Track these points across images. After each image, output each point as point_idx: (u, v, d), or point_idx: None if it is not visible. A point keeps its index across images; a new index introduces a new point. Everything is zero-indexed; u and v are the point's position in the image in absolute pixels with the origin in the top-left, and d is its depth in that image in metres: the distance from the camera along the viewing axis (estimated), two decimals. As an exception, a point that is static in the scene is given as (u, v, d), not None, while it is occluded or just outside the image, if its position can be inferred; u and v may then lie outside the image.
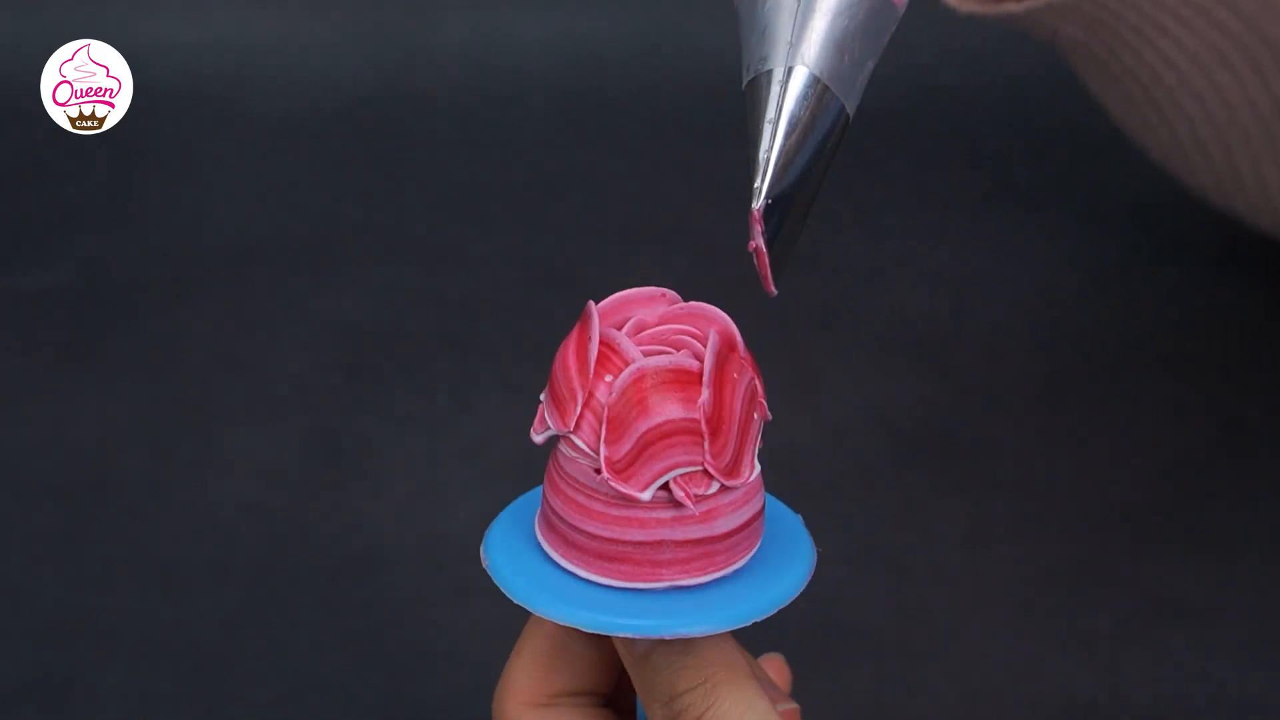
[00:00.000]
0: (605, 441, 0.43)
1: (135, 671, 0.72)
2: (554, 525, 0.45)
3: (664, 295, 0.46)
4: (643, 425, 0.43)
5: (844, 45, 0.45)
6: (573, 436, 0.44)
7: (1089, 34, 0.68)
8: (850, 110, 0.46)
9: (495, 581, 0.45)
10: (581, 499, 0.44)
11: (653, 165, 1.02)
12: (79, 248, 0.96)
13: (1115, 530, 0.76)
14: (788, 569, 0.46)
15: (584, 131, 1.04)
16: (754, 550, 0.46)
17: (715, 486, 0.44)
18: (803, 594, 0.74)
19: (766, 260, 0.44)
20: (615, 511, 0.44)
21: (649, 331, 0.45)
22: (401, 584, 0.75)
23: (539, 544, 0.46)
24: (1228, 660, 0.70)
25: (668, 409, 0.43)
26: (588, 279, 0.92)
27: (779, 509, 0.48)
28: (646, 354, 0.44)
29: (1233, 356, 0.85)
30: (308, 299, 0.92)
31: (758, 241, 0.44)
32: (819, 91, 0.45)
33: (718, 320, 0.45)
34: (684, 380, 0.43)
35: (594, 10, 1.07)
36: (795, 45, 0.45)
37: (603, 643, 0.47)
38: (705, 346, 0.44)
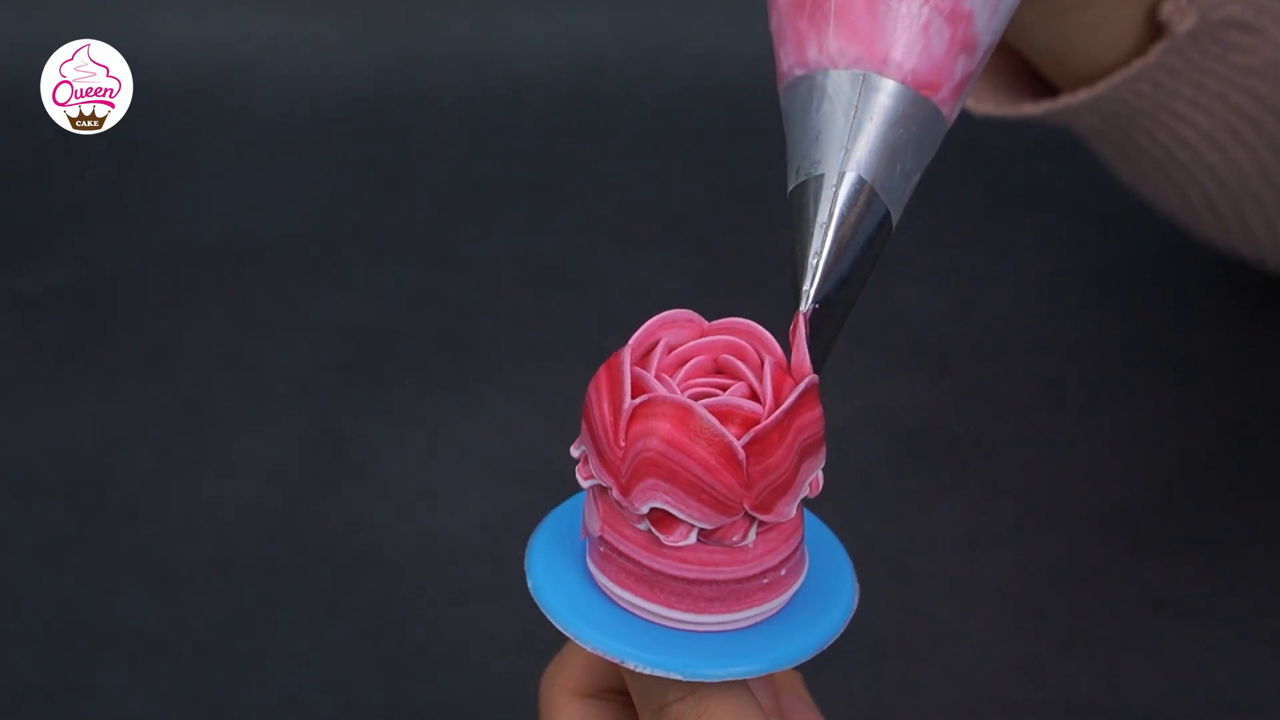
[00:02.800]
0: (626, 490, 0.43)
1: (136, 672, 0.72)
2: (621, 564, 0.45)
3: (690, 321, 0.45)
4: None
5: (896, 154, 0.46)
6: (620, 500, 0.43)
7: (1105, 123, 0.68)
8: (895, 219, 0.46)
9: (535, 597, 0.45)
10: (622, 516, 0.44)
11: (653, 165, 1.02)
12: (79, 248, 0.96)
13: (1115, 530, 0.76)
14: (824, 612, 0.46)
15: (584, 131, 1.04)
16: (791, 593, 0.45)
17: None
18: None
19: (808, 366, 0.45)
20: (713, 555, 0.43)
21: (692, 363, 0.44)
22: (402, 584, 0.75)
23: (585, 565, 0.45)
24: (1228, 660, 0.70)
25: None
26: (588, 279, 0.92)
27: (833, 548, 0.48)
28: (691, 389, 0.44)
29: (1233, 357, 0.85)
30: (308, 299, 0.92)
31: (802, 348, 0.44)
32: (868, 197, 0.45)
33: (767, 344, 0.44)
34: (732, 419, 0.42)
35: (594, 10, 1.07)
36: (849, 151, 0.45)
37: None
38: (752, 372, 0.43)
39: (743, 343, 0.45)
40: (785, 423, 0.43)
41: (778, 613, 0.45)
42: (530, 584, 0.45)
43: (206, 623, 0.74)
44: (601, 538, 0.44)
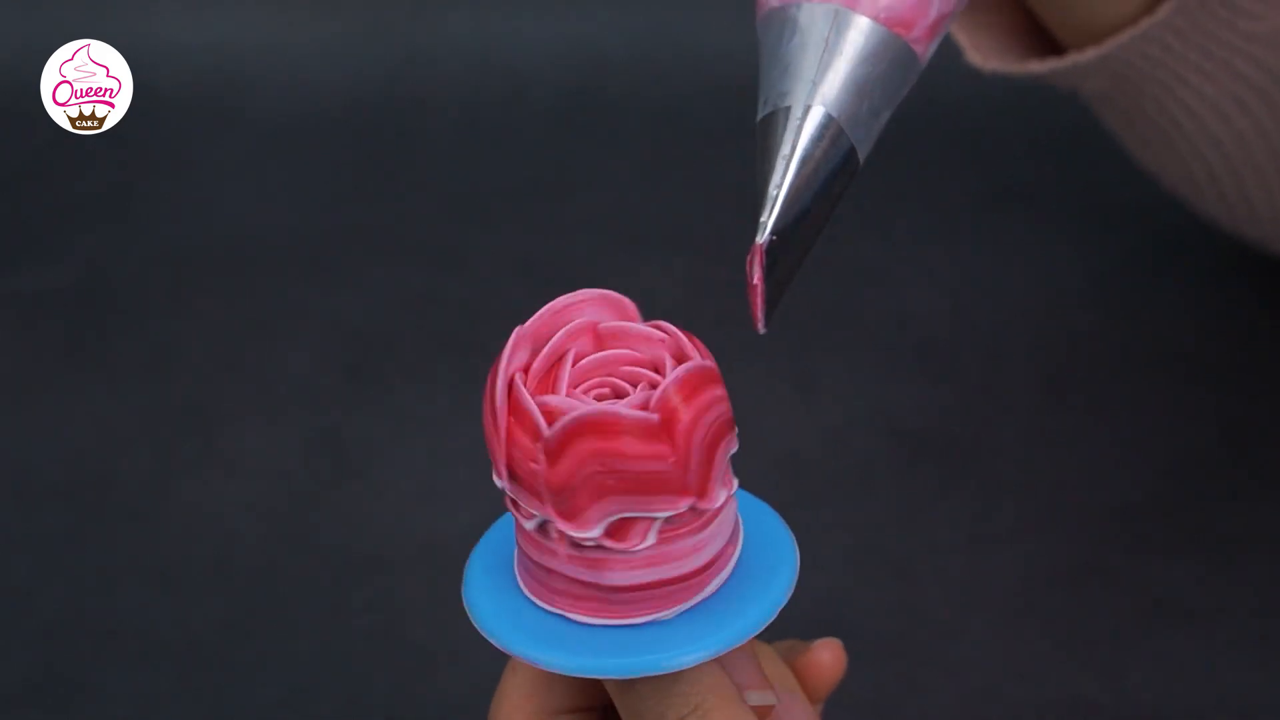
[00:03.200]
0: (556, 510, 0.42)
1: (137, 672, 0.72)
2: (530, 570, 0.45)
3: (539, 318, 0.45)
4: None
5: (865, 91, 0.45)
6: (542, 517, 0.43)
7: (1112, 86, 0.68)
8: (861, 156, 0.46)
9: (475, 623, 0.45)
10: (552, 545, 0.44)
11: (653, 165, 1.02)
12: (79, 248, 0.96)
13: (1115, 530, 0.76)
14: (769, 582, 0.45)
15: (584, 131, 1.04)
16: (726, 573, 0.45)
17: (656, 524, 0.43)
18: (803, 594, 0.74)
19: (761, 297, 0.44)
20: (593, 555, 0.43)
21: (590, 361, 0.44)
22: (402, 585, 0.75)
23: (518, 583, 0.45)
24: (1228, 660, 0.70)
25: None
26: (588, 279, 0.92)
27: (758, 510, 0.48)
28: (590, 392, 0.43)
29: (1233, 356, 0.85)
30: (308, 299, 0.92)
31: (756, 276, 0.44)
32: (834, 133, 0.45)
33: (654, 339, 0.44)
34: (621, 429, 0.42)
35: (594, 10, 1.07)
36: (817, 84, 0.45)
37: None
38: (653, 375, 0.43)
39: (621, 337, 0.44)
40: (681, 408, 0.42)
41: (718, 592, 0.45)
42: (471, 615, 0.45)
43: (207, 623, 0.74)
44: (534, 562, 0.44)
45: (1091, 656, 0.71)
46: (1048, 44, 0.69)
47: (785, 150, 0.45)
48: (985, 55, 0.68)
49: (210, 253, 0.96)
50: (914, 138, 1.03)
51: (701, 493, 0.43)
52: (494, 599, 0.45)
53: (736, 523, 0.45)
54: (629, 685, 0.45)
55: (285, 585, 0.76)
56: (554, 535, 0.43)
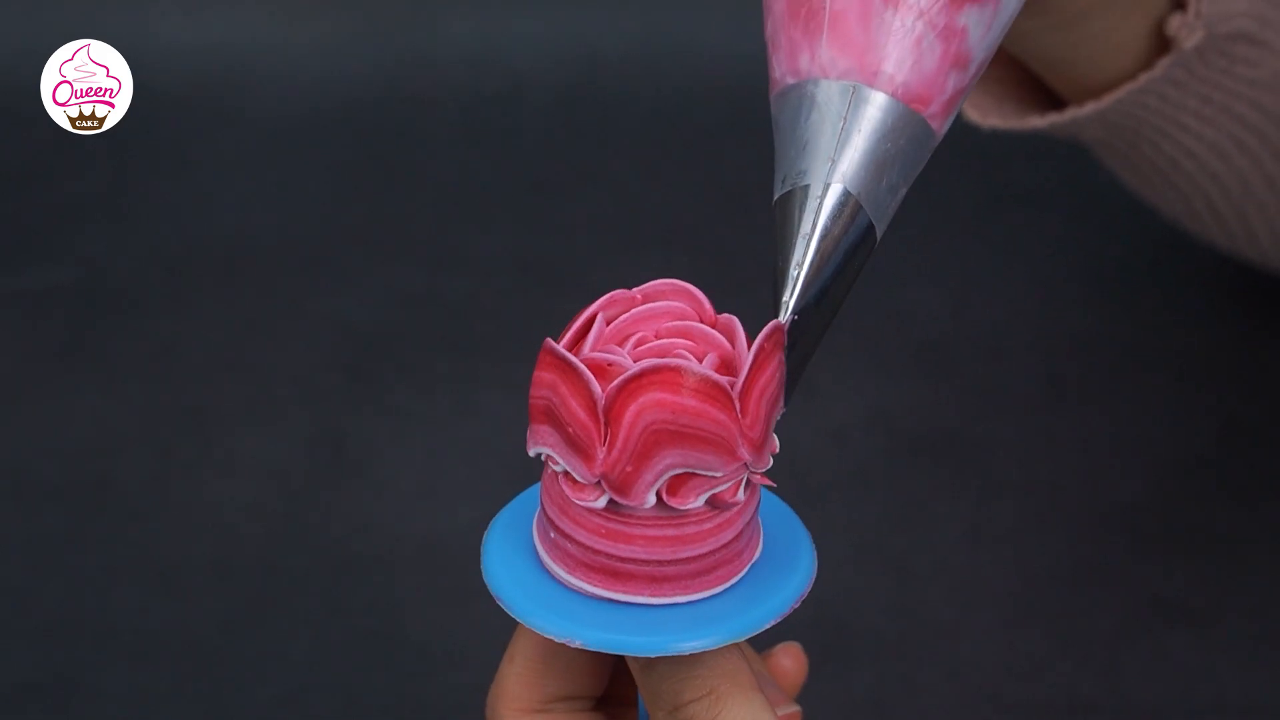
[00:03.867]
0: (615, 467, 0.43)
1: (136, 671, 0.72)
2: (553, 542, 0.45)
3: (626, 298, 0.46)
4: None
5: (883, 168, 0.46)
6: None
7: (1111, 134, 0.68)
8: (879, 232, 0.46)
9: (494, 595, 0.45)
10: (586, 515, 0.44)
11: (653, 165, 1.02)
12: (79, 248, 0.96)
13: (1115, 530, 0.76)
14: (789, 575, 0.46)
15: (584, 131, 1.04)
16: (750, 563, 0.45)
17: (708, 491, 0.43)
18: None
19: (782, 376, 0.44)
20: (654, 531, 0.43)
21: (648, 346, 0.44)
22: (402, 584, 0.75)
23: (538, 557, 0.45)
24: (1228, 660, 0.70)
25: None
26: (588, 279, 0.92)
27: (777, 506, 0.48)
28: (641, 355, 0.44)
29: (1233, 356, 0.85)
30: (308, 299, 0.92)
31: (779, 358, 0.44)
32: (853, 210, 0.45)
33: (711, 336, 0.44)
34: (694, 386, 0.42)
35: (594, 10, 1.07)
36: (836, 162, 0.45)
37: None
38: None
39: (684, 307, 0.45)
40: (754, 375, 0.42)
41: (736, 584, 0.45)
42: (489, 583, 0.45)
43: (206, 622, 0.74)
44: (560, 530, 0.44)
45: (1091, 656, 0.71)
46: (1042, 92, 0.69)
47: (805, 229, 0.45)
48: (983, 112, 0.68)
49: (210, 252, 0.96)
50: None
51: (757, 451, 0.43)
52: (512, 570, 0.45)
53: (757, 519, 0.46)
54: (649, 666, 0.45)
55: (284, 584, 0.76)
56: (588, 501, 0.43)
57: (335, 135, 1.05)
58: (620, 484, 0.42)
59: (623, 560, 0.44)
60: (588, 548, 0.44)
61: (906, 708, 0.69)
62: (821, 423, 0.82)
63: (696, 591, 0.44)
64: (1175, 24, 0.63)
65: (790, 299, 0.45)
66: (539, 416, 0.44)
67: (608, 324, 0.44)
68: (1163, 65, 0.64)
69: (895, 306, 0.90)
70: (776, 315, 0.44)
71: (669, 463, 0.42)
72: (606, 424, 0.42)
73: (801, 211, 0.45)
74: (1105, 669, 0.70)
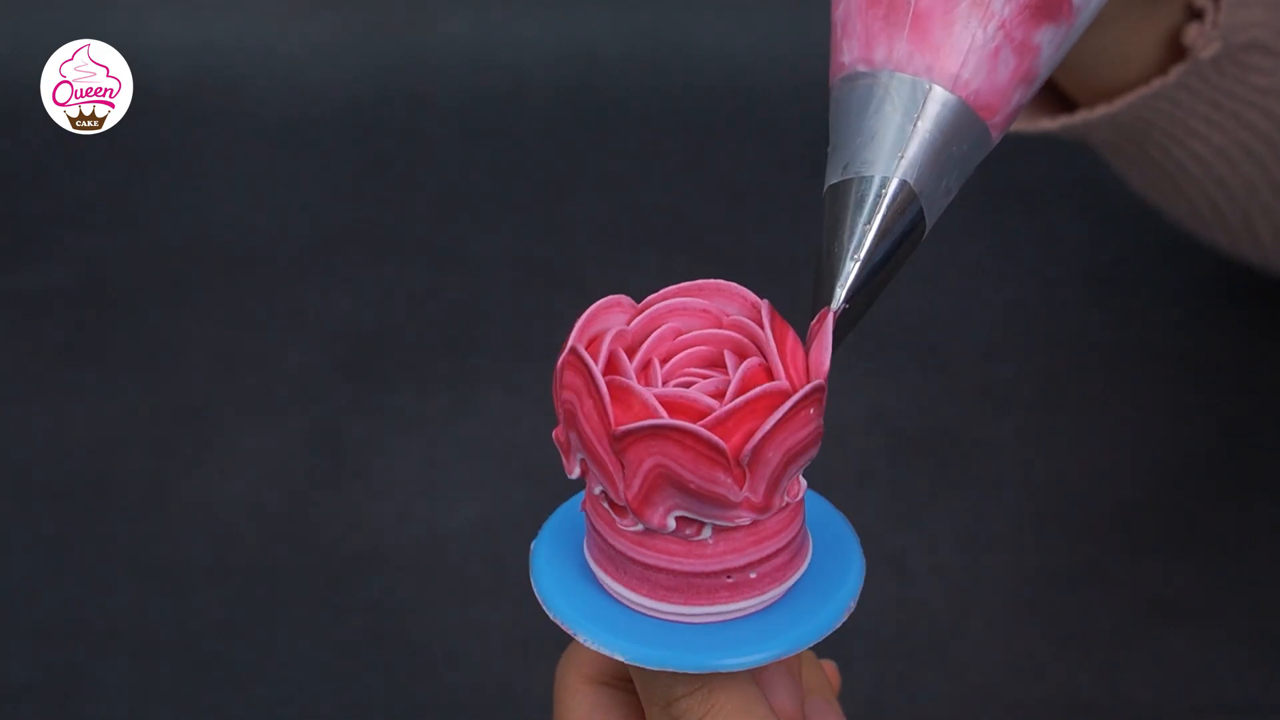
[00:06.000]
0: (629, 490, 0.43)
1: (135, 671, 0.72)
2: (617, 560, 0.45)
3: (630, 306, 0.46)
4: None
5: (945, 169, 0.46)
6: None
7: (1120, 137, 0.69)
8: (928, 228, 0.46)
9: (542, 602, 0.45)
10: (660, 539, 0.44)
11: (652, 165, 1.02)
12: (79, 248, 0.96)
13: (1115, 530, 0.76)
14: (832, 594, 0.45)
15: (582, 131, 1.04)
16: (797, 575, 0.45)
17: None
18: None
19: (828, 359, 0.45)
20: (683, 546, 0.43)
21: (676, 359, 0.44)
22: (401, 584, 0.75)
23: (589, 568, 0.45)
24: (1228, 660, 0.70)
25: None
26: (588, 279, 0.92)
27: (840, 530, 0.48)
28: (680, 381, 0.44)
29: (1233, 356, 0.85)
30: (308, 299, 0.92)
31: (827, 342, 0.44)
32: (913, 206, 0.46)
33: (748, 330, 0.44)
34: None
35: (594, 10, 1.07)
36: (902, 157, 0.45)
37: None
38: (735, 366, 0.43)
39: (746, 324, 0.44)
40: (776, 432, 0.42)
41: (777, 602, 0.45)
42: (534, 581, 0.45)
43: (205, 621, 0.74)
44: (599, 534, 0.44)
45: (1090, 656, 0.71)
46: (1049, 93, 0.70)
47: (865, 219, 0.46)
48: None
49: (209, 252, 0.96)
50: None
51: (763, 509, 0.43)
52: (560, 575, 0.45)
53: (803, 531, 0.45)
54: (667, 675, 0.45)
55: (283, 584, 0.76)
56: (614, 512, 0.43)
57: (335, 135, 1.05)
58: (637, 513, 0.43)
59: (657, 570, 0.44)
60: (626, 556, 0.44)
61: (906, 708, 0.69)
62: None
63: (745, 599, 0.44)
64: (1192, 34, 0.63)
65: (844, 287, 0.45)
66: (569, 421, 0.44)
67: (633, 330, 0.44)
68: (1176, 72, 0.64)
69: (895, 306, 0.90)
70: (825, 300, 0.45)
71: (672, 504, 0.42)
72: (618, 455, 0.42)
73: (864, 201, 0.46)
74: (1105, 669, 0.70)
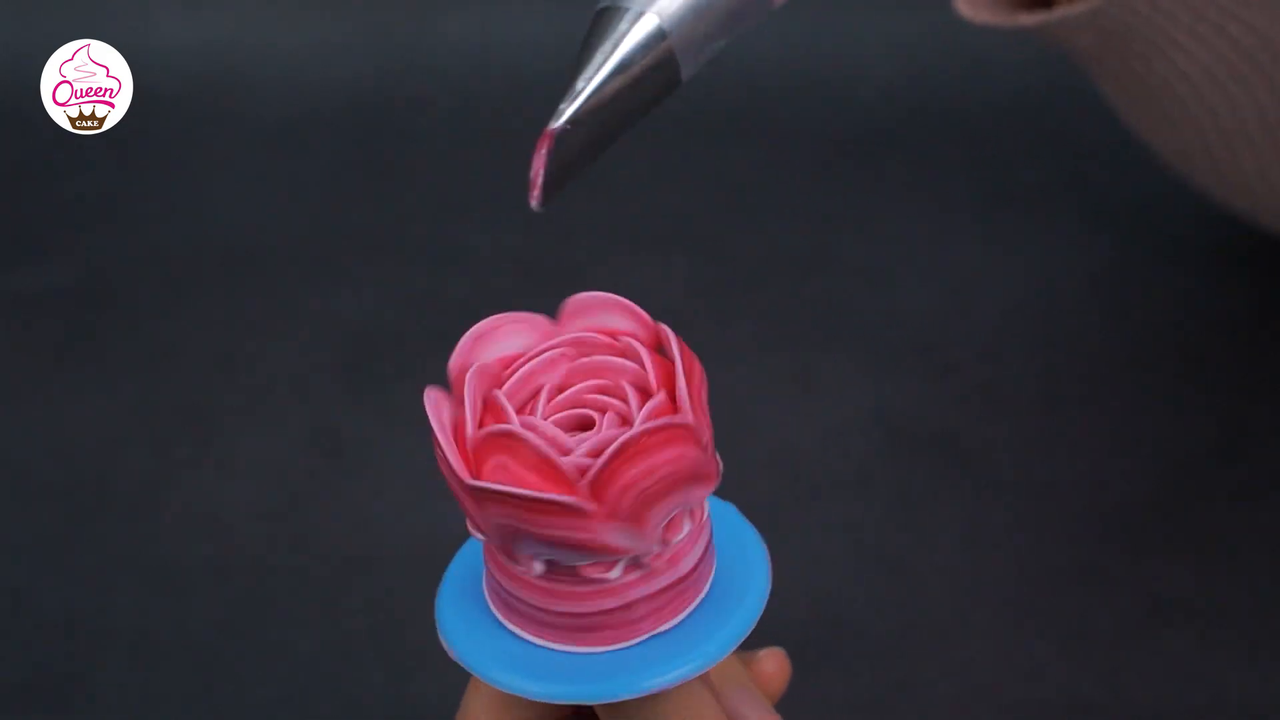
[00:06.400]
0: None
1: (135, 671, 0.72)
2: (514, 607, 0.44)
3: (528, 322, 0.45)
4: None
5: (704, 15, 0.45)
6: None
7: (1102, 47, 0.68)
8: (684, 76, 0.46)
9: (454, 657, 0.45)
10: (551, 584, 0.43)
11: (653, 165, 1.02)
12: (78, 248, 0.96)
13: (1115, 530, 0.76)
14: (746, 588, 0.45)
15: (584, 132, 1.03)
16: (709, 579, 0.45)
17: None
18: (801, 594, 0.74)
19: (541, 177, 0.44)
20: (587, 589, 0.43)
21: (561, 398, 0.43)
22: (401, 584, 0.75)
23: (491, 613, 0.45)
24: (1228, 660, 0.70)
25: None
26: (588, 279, 0.92)
27: (734, 522, 0.47)
28: (567, 425, 0.43)
29: (1233, 356, 0.85)
30: (308, 299, 0.92)
31: (540, 161, 0.44)
32: (661, 45, 0.45)
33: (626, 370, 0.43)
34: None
35: (592, 11, 1.07)
36: None
37: None
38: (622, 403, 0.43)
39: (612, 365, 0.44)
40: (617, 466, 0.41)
41: (699, 606, 0.44)
42: (445, 641, 0.45)
43: (204, 622, 0.74)
44: (504, 589, 0.44)
45: (1090, 656, 0.71)
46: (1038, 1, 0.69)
47: (606, 49, 0.45)
48: (976, 8, 0.68)
49: (208, 252, 0.96)
50: (914, 137, 1.03)
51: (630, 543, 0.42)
52: (466, 620, 0.45)
53: (708, 544, 0.45)
54: (615, 706, 0.44)
55: (283, 584, 0.76)
56: (567, 573, 0.43)
57: (335, 135, 1.05)
58: (505, 555, 0.42)
59: (560, 615, 0.43)
60: (531, 605, 0.43)
61: (906, 708, 0.69)
62: (821, 423, 0.82)
63: (685, 608, 0.44)
64: None
65: (567, 109, 0.44)
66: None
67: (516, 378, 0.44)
68: None
69: (895, 306, 0.90)
70: (550, 121, 0.44)
71: (528, 551, 0.42)
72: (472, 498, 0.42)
73: (610, 31, 0.45)
74: (1105, 669, 0.70)
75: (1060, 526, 0.77)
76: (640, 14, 0.45)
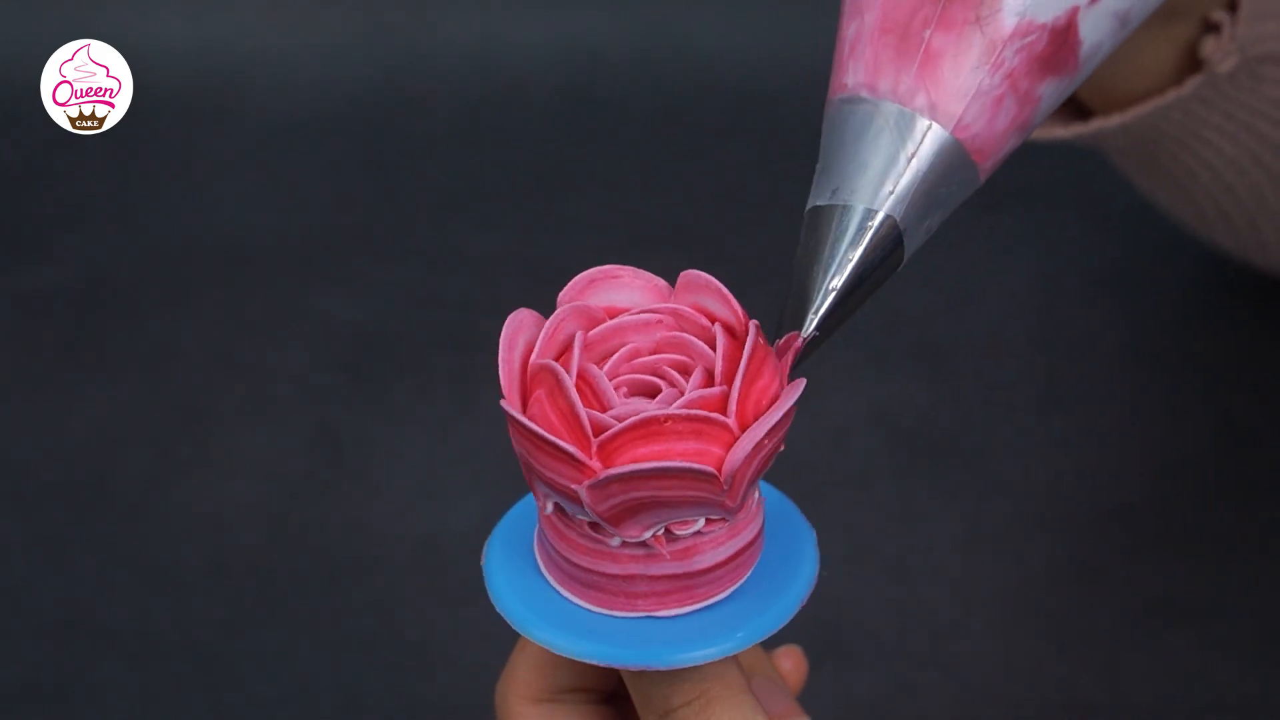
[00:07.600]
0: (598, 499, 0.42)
1: (135, 671, 0.72)
2: (543, 549, 0.45)
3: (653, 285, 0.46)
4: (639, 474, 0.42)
5: (930, 208, 0.46)
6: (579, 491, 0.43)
7: (1132, 145, 0.69)
8: (905, 261, 0.46)
9: (495, 603, 0.45)
10: (560, 526, 0.44)
11: (653, 165, 1.02)
12: (79, 248, 0.96)
13: (1115, 530, 0.76)
14: (779, 594, 0.45)
15: (583, 131, 1.04)
16: (743, 579, 0.45)
17: (694, 528, 0.43)
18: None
19: (786, 377, 0.44)
20: (588, 544, 0.43)
21: (640, 360, 0.44)
22: (401, 584, 0.75)
23: (539, 574, 0.45)
24: (1226, 660, 0.70)
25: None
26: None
27: (791, 516, 0.48)
28: (633, 388, 0.43)
29: (1233, 356, 0.85)
30: (308, 299, 0.92)
31: (788, 364, 0.44)
32: (895, 241, 0.45)
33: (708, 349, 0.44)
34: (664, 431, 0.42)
35: (593, 10, 1.07)
36: (891, 191, 0.45)
37: None
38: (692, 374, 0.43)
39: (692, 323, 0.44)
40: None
41: (734, 593, 0.44)
42: (491, 593, 0.45)
43: (204, 622, 0.74)
44: (554, 548, 0.44)
45: (1090, 656, 0.71)
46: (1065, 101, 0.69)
47: (845, 249, 0.45)
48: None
49: (209, 253, 0.96)
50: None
51: (739, 509, 0.43)
52: (512, 578, 0.45)
53: (755, 537, 0.45)
54: (639, 670, 0.45)
55: (283, 584, 0.76)
56: (574, 522, 0.43)
57: (335, 135, 1.05)
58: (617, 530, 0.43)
59: (594, 574, 0.43)
60: (565, 559, 0.44)
61: (906, 708, 0.69)
62: (821, 423, 0.82)
63: (671, 608, 0.44)
64: (1210, 47, 0.63)
65: (817, 316, 0.45)
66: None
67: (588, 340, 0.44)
68: (1192, 85, 0.64)
69: (895, 306, 0.90)
70: (796, 325, 0.45)
71: (541, 490, 0.43)
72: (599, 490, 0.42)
73: (846, 230, 0.45)
74: (1105, 669, 0.70)
75: (1060, 526, 0.77)
76: (873, 212, 0.45)
